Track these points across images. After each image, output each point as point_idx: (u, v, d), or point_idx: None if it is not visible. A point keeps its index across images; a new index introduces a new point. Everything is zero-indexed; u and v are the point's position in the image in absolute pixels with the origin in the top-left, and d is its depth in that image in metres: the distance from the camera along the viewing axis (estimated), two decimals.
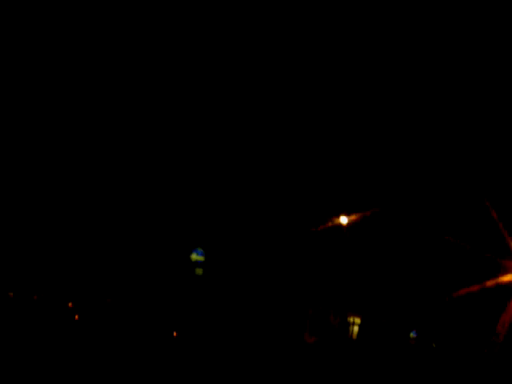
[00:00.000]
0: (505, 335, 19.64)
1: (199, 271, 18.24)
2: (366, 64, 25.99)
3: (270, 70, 26.17)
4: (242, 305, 21.33)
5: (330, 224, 24.24)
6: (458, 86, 24.71)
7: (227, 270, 20.44)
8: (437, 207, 23.19)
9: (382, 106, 25.42)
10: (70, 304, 20.15)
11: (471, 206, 22.13)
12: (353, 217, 24.27)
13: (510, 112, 23.19)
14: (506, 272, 19.79)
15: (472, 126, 23.54)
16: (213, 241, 19.94)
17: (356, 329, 25.87)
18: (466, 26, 24.38)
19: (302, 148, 25.35)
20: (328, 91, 25.89)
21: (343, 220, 24.15)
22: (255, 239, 22.53)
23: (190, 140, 24.75)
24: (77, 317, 18.76)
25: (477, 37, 24.48)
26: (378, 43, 25.68)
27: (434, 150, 23.74)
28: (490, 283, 20.32)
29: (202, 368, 14.85)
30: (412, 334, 26.36)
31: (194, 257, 18.19)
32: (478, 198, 21.57)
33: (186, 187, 22.98)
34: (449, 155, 23.28)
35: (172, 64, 25.82)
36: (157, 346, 16.78)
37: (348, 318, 25.59)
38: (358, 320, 25.82)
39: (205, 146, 24.77)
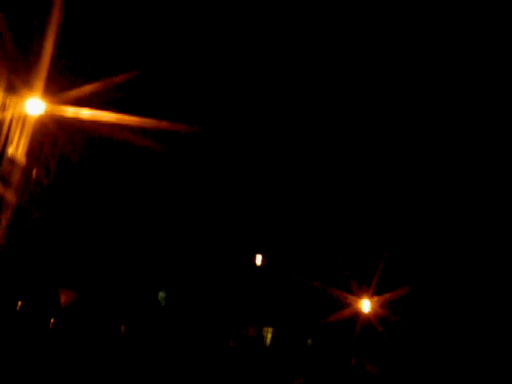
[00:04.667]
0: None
1: (163, 302, 27.60)
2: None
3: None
4: (189, 323, 30.29)
5: (249, 263, 33.55)
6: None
7: (181, 303, 29.72)
8: (312, 262, 33.35)
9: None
10: None
11: (332, 262, 32.64)
12: (265, 257, 34.01)
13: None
14: (349, 307, 30.43)
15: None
16: (172, 284, 29.13)
17: (269, 336, 33.76)
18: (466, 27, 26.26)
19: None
20: None
21: (258, 259, 34.07)
22: (196, 280, 30.63)
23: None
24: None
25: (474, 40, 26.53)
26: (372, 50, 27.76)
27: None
28: (340, 314, 30.81)
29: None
30: (310, 340, 36.28)
31: (160, 295, 27.65)
32: (336, 257, 32.18)
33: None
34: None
35: (172, 64, 26.49)
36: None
37: (263, 330, 33.62)
38: (270, 330, 33.97)
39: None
